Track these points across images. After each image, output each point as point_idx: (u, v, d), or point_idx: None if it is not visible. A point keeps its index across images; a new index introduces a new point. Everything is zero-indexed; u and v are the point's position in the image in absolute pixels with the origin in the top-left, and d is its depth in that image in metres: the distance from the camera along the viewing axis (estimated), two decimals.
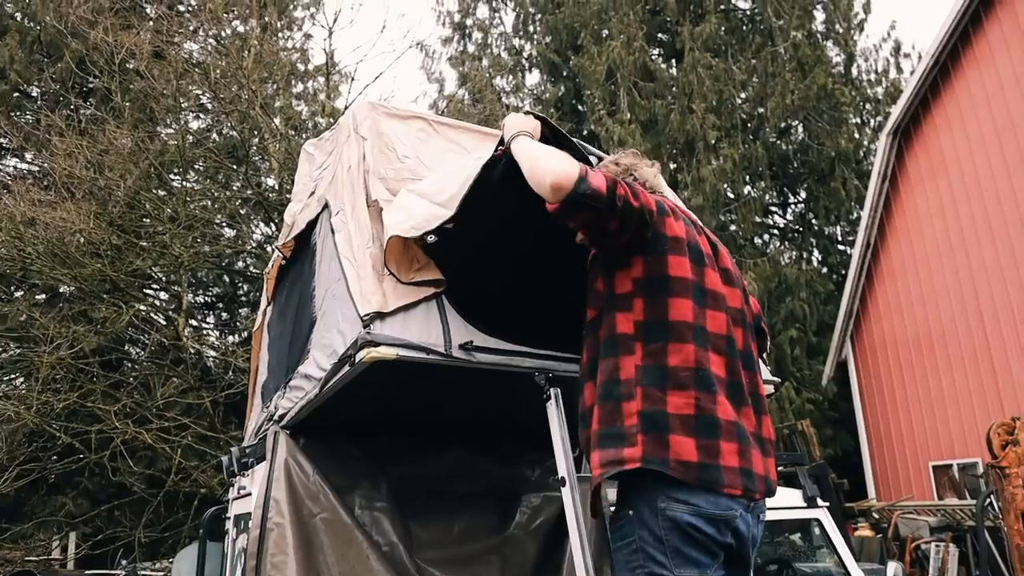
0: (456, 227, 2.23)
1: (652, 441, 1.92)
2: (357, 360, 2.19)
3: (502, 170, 2.28)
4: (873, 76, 18.95)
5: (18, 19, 15.63)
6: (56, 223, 10.09)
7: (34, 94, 15.79)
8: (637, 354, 2.01)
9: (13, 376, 11.66)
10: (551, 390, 2.35)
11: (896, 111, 12.69)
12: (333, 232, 2.58)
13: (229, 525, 4.02)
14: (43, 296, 13.32)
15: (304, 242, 3.20)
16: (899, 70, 18.65)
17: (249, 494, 3.31)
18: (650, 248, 2.07)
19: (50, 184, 11.58)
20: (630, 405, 1.96)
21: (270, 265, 3.89)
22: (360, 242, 2.38)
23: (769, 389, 3.13)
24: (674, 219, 2.13)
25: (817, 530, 5.15)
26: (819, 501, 4.60)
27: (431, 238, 2.28)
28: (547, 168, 2.02)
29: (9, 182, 12.11)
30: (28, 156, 14.61)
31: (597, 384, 2.05)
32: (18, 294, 12.61)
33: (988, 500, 8.16)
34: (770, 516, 4.60)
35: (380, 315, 2.21)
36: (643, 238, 2.06)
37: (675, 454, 1.92)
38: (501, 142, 2.31)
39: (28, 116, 14.65)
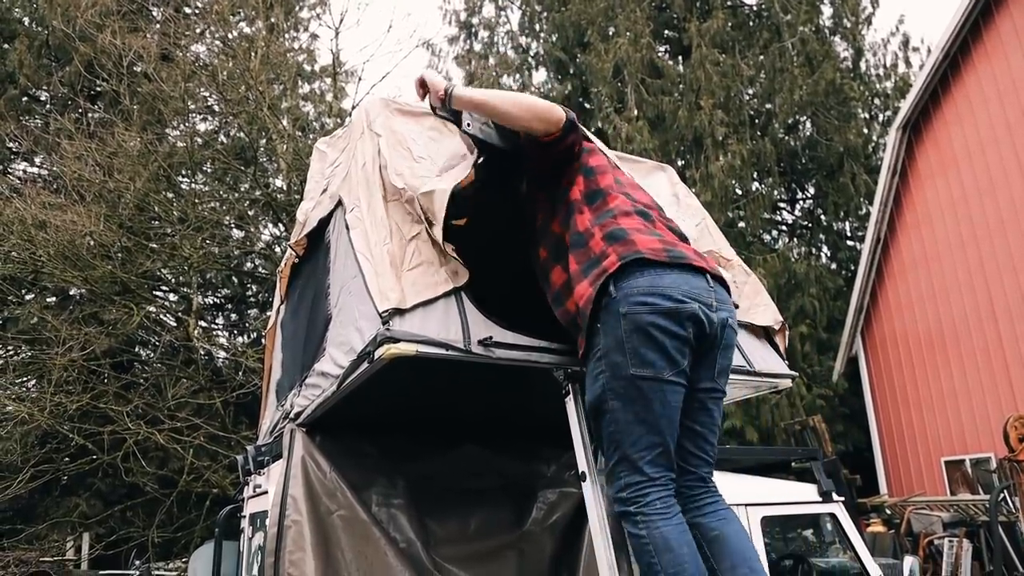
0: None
1: (621, 246, 2.25)
2: (376, 356, 2.19)
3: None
4: (882, 71, 18.86)
5: (26, 23, 15.70)
6: (67, 226, 10.13)
7: (43, 98, 15.86)
8: (586, 213, 2.40)
9: (26, 378, 11.70)
10: (570, 386, 2.35)
11: (906, 106, 12.63)
12: (348, 229, 2.57)
13: (244, 524, 4.03)
14: (54, 298, 13.38)
15: (317, 240, 3.19)
16: (908, 64, 18.57)
17: (265, 492, 3.32)
18: (577, 154, 2.53)
19: (60, 187, 11.63)
20: (594, 239, 2.32)
21: (283, 264, 3.89)
22: (377, 238, 2.38)
23: (785, 383, 3.15)
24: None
25: (831, 525, 5.13)
26: (834, 496, 4.57)
27: (479, 159, 2.47)
28: (538, 100, 2.41)
29: (20, 186, 12.15)
30: (38, 160, 14.69)
31: (566, 249, 2.39)
32: (29, 297, 12.67)
33: (1002, 495, 8.12)
34: (785, 511, 4.61)
35: (399, 311, 2.20)
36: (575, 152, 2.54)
37: (644, 245, 2.25)
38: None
39: (37, 120, 14.72)
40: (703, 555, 2.17)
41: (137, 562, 10.90)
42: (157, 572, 10.53)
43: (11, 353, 12.29)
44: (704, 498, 2.30)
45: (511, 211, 2.77)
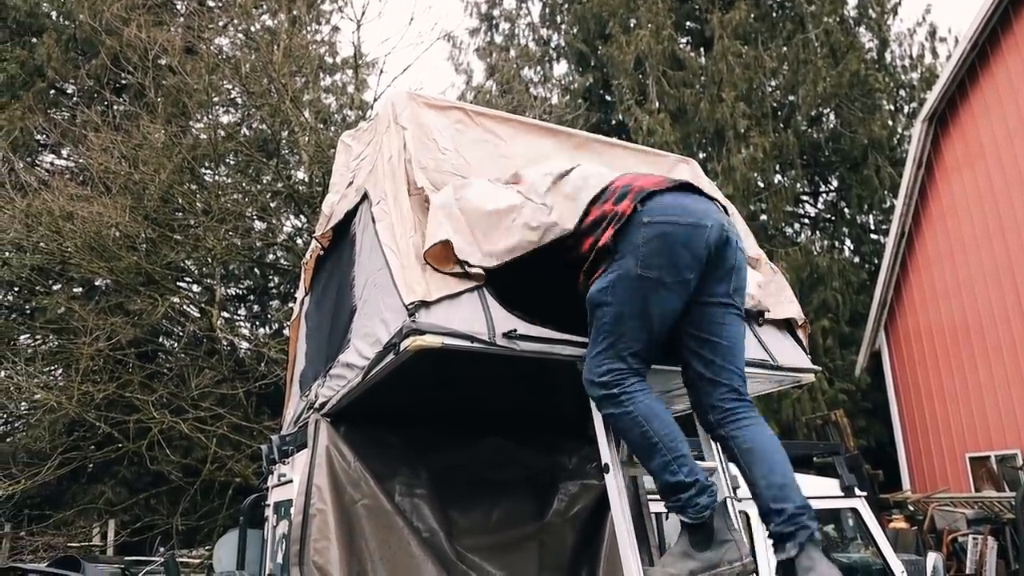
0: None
1: (629, 196, 2.35)
2: (402, 348, 2.21)
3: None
4: (908, 62, 18.57)
5: (54, 18, 15.90)
6: (93, 217, 10.26)
7: (70, 91, 16.06)
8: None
9: (54, 367, 11.89)
10: None
11: (932, 97, 12.44)
12: (374, 221, 2.59)
13: (269, 512, 4.08)
14: (81, 289, 13.58)
15: (343, 232, 3.21)
16: (935, 55, 18.26)
17: (289, 481, 3.36)
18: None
19: (87, 179, 11.78)
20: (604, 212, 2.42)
21: (307, 256, 3.92)
22: (403, 231, 2.40)
23: (808, 377, 3.14)
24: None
25: (853, 520, 5.10)
26: (856, 491, 4.55)
27: (467, 267, 2.42)
28: None
29: (47, 178, 12.32)
30: (65, 152, 14.89)
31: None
32: (57, 287, 12.86)
33: None
34: None
35: (424, 304, 2.23)
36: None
37: (648, 182, 2.39)
38: None
39: (65, 113, 14.88)
40: (740, 468, 2.28)
41: (162, 549, 11.05)
42: (181, 559, 10.66)
43: (39, 342, 12.50)
44: (740, 411, 2.35)
45: None
